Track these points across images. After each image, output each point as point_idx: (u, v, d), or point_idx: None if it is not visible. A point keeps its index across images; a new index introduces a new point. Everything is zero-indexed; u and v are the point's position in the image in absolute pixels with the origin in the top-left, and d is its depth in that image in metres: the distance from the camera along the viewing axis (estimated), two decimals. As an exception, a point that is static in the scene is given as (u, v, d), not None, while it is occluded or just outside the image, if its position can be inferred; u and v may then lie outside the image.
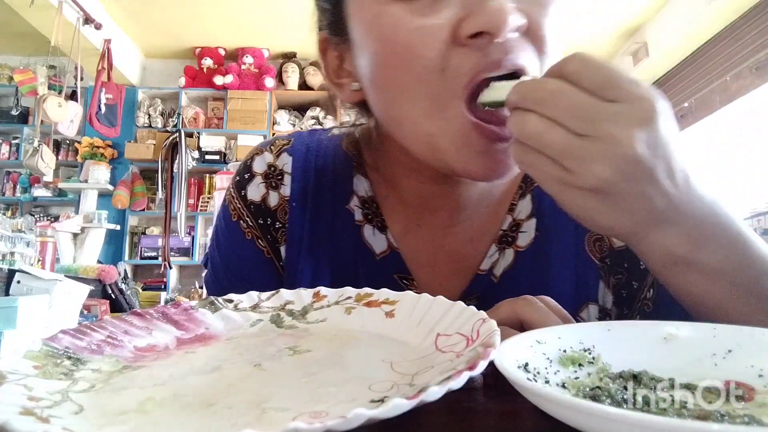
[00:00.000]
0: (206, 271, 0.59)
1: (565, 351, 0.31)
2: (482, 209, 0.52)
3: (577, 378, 0.30)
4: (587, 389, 0.28)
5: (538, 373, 0.28)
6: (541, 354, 0.30)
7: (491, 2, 0.35)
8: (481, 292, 0.50)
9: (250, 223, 0.54)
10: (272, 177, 0.55)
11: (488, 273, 0.50)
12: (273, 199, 0.55)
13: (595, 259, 0.49)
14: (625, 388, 0.28)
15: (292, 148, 0.57)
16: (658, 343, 0.32)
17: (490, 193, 0.52)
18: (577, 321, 0.47)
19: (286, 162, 0.56)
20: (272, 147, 0.57)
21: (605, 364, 0.31)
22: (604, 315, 0.49)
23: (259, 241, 0.54)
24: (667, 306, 0.46)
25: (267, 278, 0.54)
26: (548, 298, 0.41)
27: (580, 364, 0.31)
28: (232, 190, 0.56)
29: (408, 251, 0.52)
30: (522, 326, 0.39)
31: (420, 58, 0.38)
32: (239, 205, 0.55)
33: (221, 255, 0.56)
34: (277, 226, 0.54)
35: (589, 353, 0.32)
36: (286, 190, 0.55)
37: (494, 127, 0.38)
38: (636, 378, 0.29)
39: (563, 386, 0.29)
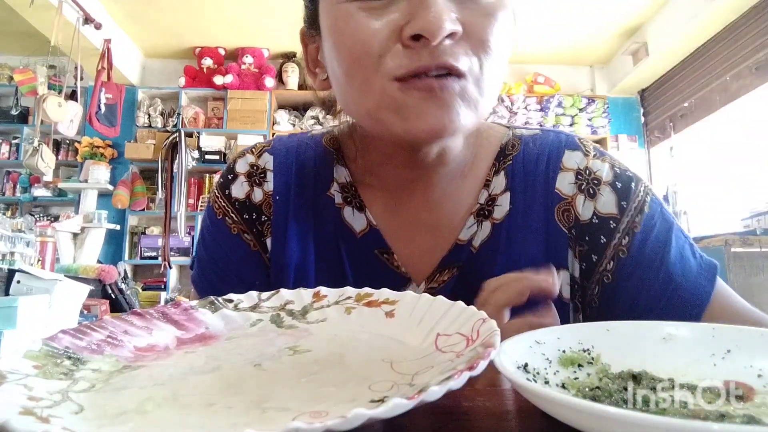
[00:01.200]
0: (192, 273, 0.60)
1: (564, 351, 0.31)
2: (458, 186, 0.55)
3: (576, 378, 0.30)
4: (587, 389, 0.28)
5: (538, 373, 0.28)
6: (540, 354, 0.30)
7: (430, 10, 0.39)
8: (461, 262, 0.53)
9: (236, 219, 0.57)
10: (255, 175, 0.58)
11: (467, 243, 0.53)
12: (257, 195, 0.57)
13: (564, 228, 0.53)
14: (625, 388, 0.27)
15: (273, 148, 0.61)
16: (658, 343, 0.32)
17: (462, 172, 0.56)
18: None
19: (267, 160, 0.59)
20: (253, 149, 0.61)
21: (605, 364, 0.31)
22: (573, 283, 0.53)
23: (245, 234, 0.57)
24: (625, 277, 0.50)
25: (254, 270, 0.56)
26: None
27: (579, 365, 0.31)
28: (216, 191, 0.59)
29: (387, 228, 0.55)
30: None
31: (361, 45, 0.43)
32: (224, 203, 0.58)
33: (209, 253, 0.58)
34: (263, 220, 0.57)
35: (589, 353, 0.32)
36: (269, 185, 0.58)
37: (420, 81, 0.42)
38: (635, 378, 0.29)
39: (563, 386, 0.29)
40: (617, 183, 0.53)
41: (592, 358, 0.31)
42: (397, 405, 0.20)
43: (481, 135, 0.57)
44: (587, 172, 0.54)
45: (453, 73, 0.42)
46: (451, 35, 0.41)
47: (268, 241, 0.56)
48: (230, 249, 0.56)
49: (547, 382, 0.28)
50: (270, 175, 0.58)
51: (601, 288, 0.51)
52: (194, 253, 0.61)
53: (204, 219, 0.60)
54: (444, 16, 0.39)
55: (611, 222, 0.52)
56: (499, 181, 0.55)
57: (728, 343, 0.31)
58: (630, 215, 0.51)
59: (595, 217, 0.52)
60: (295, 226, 0.56)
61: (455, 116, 0.42)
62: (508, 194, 0.54)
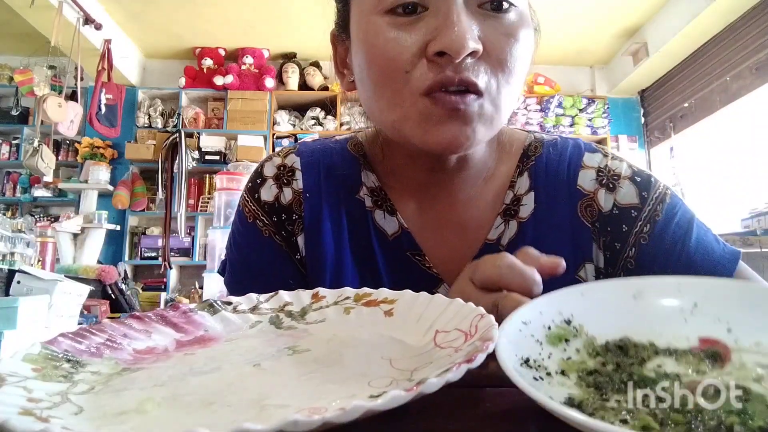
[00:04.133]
0: (225, 276, 0.62)
1: (549, 328, 0.32)
2: (483, 188, 0.58)
3: (569, 358, 0.31)
4: (587, 375, 0.28)
5: (539, 366, 0.29)
6: (530, 338, 0.31)
7: (455, 30, 0.42)
8: None
9: (266, 221, 0.58)
10: (283, 175, 0.60)
11: (496, 242, 0.56)
12: (287, 195, 0.59)
13: (587, 222, 0.56)
14: (618, 365, 0.29)
15: (299, 150, 0.62)
16: (629, 301, 0.34)
17: (486, 176, 0.58)
18: (577, 280, 0.54)
19: (294, 160, 0.61)
20: (280, 152, 0.63)
21: (589, 336, 0.32)
22: (598, 273, 0.55)
23: (276, 236, 0.58)
24: (647, 263, 0.53)
25: (287, 270, 0.58)
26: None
27: (566, 340, 0.32)
28: (245, 195, 0.61)
29: (417, 230, 0.57)
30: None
31: (391, 61, 0.45)
32: (254, 207, 0.59)
33: (241, 256, 0.60)
34: (293, 218, 0.58)
35: (570, 324, 0.32)
36: (298, 183, 0.59)
37: (447, 98, 0.44)
38: (622, 349, 0.31)
39: (563, 373, 0.29)
40: (636, 177, 0.56)
41: (576, 330, 0.32)
42: (395, 397, 0.20)
43: (503, 140, 0.60)
44: (607, 169, 0.57)
45: (472, 89, 0.44)
46: (472, 53, 0.43)
47: (300, 240, 0.58)
48: (262, 251, 0.58)
49: (548, 373, 0.29)
50: (298, 174, 0.59)
51: (626, 274, 0.53)
52: (224, 259, 0.63)
53: (234, 223, 0.62)
54: (467, 35, 0.42)
55: (632, 211, 0.54)
56: (523, 182, 0.58)
57: (694, 296, 0.33)
58: (651, 204, 0.54)
59: (615, 208, 0.55)
60: (329, 224, 0.57)
61: (471, 133, 0.45)
62: (532, 194, 0.57)
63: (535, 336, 0.31)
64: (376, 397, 0.24)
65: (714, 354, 0.30)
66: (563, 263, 0.39)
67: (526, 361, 0.28)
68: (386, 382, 0.27)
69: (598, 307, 0.34)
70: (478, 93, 0.44)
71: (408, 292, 0.38)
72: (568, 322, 0.33)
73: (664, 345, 0.31)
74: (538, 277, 0.37)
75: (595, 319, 0.33)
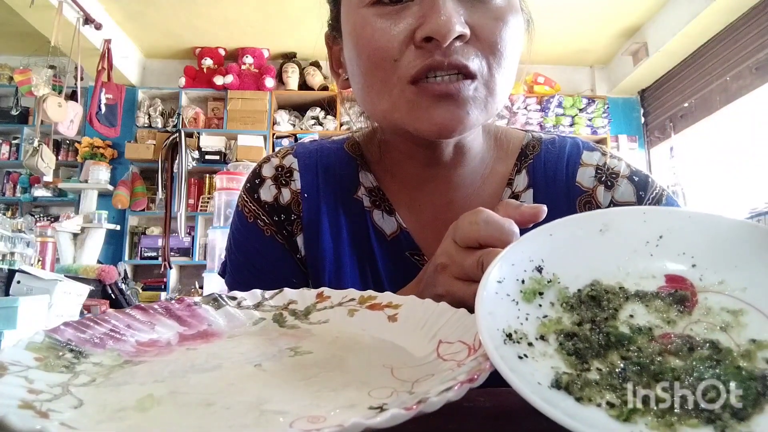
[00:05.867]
0: (226, 278, 0.62)
1: (522, 282, 0.31)
2: (481, 187, 0.58)
3: (545, 316, 0.30)
4: (567, 341, 0.28)
5: (521, 337, 0.28)
6: (506, 299, 0.30)
7: (441, 15, 0.42)
8: None
9: (267, 221, 0.59)
10: (281, 176, 0.60)
11: None
12: (285, 195, 0.59)
13: None
14: (593, 321, 0.29)
15: (296, 151, 0.62)
16: (596, 236, 0.33)
17: (483, 174, 0.58)
18: None
19: (292, 161, 0.61)
20: (277, 153, 0.63)
21: (562, 286, 0.32)
22: None
23: (277, 236, 0.59)
24: None
25: (290, 268, 0.58)
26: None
27: (540, 293, 0.31)
28: (244, 195, 0.61)
29: (415, 230, 0.57)
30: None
31: (379, 50, 0.46)
32: (254, 207, 0.59)
33: (244, 256, 0.60)
34: (292, 218, 0.59)
35: (542, 272, 0.32)
36: (296, 184, 0.59)
37: (436, 85, 0.45)
38: (594, 299, 0.31)
39: (542, 338, 0.29)
40: (634, 177, 0.57)
41: (549, 281, 0.32)
42: (395, 416, 0.20)
43: (500, 138, 0.60)
44: (606, 167, 0.58)
45: (463, 72, 0.44)
46: (460, 37, 0.43)
47: (299, 239, 0.58)
48: (266, 250, 0.58)
49: (530, 343, 0.28)
50: (296, 175, 0.60)
51: None
52: (224, 261, 0.63)
53: (234, 223, 0.62)
54: (453, 19, 0.42)
55: None
56: (522, 179, 0.58)
57: (659, 228, 0.32)
58: (648, 204, 0.55)
59: (612, 206, 0.56)
60: (327, 223, 0.58)
61: (464, 116, 0.45)
62: (530, 191, 0.57)
63: (511, 295, 0.31)
64: (376, 409, 0.24)
65: (681, 298, 0.30)
66: (544, 208, 0.39)
67: (509, 336, 0.28)
68: (387, 392, 0.26)
69: (566, 247, 0.33)
70: (471, 76, 0.45)
71: (412, 297, 0.38)
72: (540, 270, 0.32)
73: (633, 287, 0.31)
74: (515, 228, 0.37)
75: (565, 262, 0.32)
